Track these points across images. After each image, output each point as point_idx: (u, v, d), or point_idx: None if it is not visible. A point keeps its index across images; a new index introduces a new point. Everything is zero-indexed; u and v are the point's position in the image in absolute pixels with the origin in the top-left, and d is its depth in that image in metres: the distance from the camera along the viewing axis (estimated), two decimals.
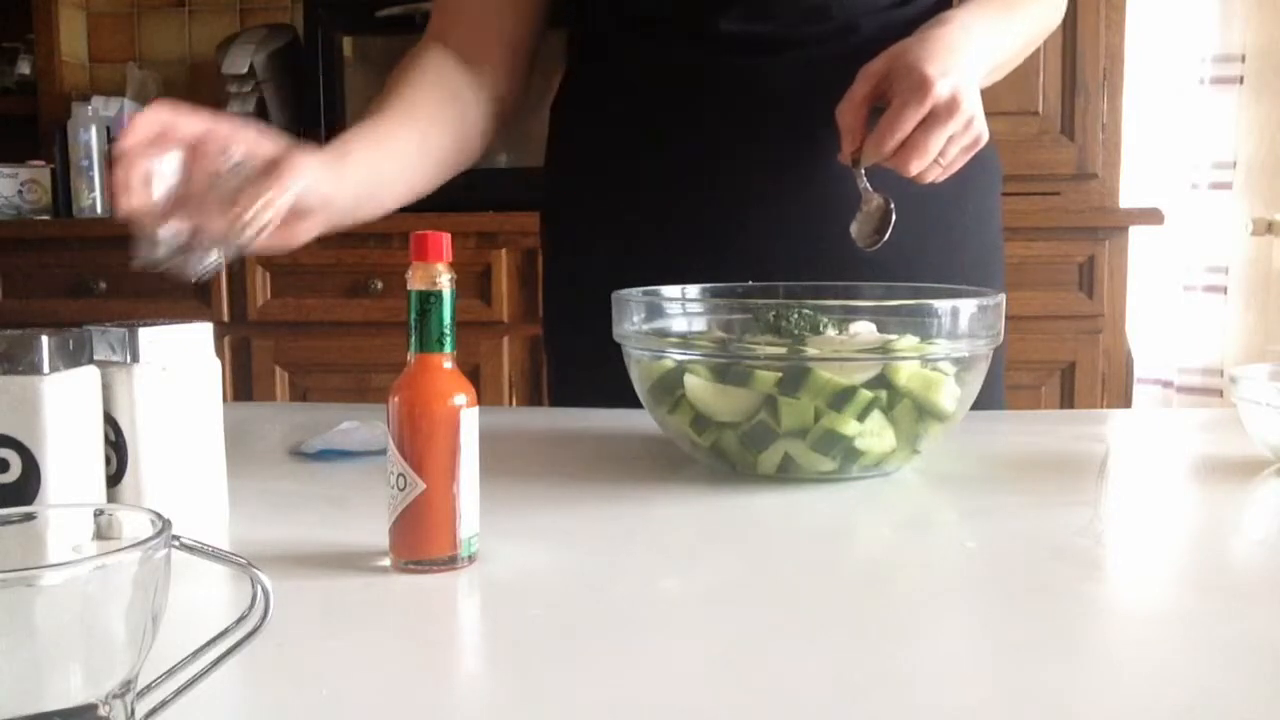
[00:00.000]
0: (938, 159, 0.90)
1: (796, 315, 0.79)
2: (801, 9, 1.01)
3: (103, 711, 0.37)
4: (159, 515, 0.39)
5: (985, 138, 0.92)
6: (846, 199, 1.00)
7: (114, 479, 0.66)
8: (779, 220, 1.04)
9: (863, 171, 0.94)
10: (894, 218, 0.94)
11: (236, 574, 0.46)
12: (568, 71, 1.15)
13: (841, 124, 0.93)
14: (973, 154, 0.93)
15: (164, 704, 0.41)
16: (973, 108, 0.90)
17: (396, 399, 0.60)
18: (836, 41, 1.02)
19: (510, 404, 2.43)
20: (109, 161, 0.80)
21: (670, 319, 0.86)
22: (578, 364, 1.15)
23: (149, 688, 0.41)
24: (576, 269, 1.13)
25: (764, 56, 1.02)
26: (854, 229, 0.96)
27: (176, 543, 0.40)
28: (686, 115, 1.05)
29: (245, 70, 2.57)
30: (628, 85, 1.08)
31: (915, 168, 0.89)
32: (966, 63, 0.91)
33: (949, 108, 0.88)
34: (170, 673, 0.42)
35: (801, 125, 1.03)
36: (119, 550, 0.37)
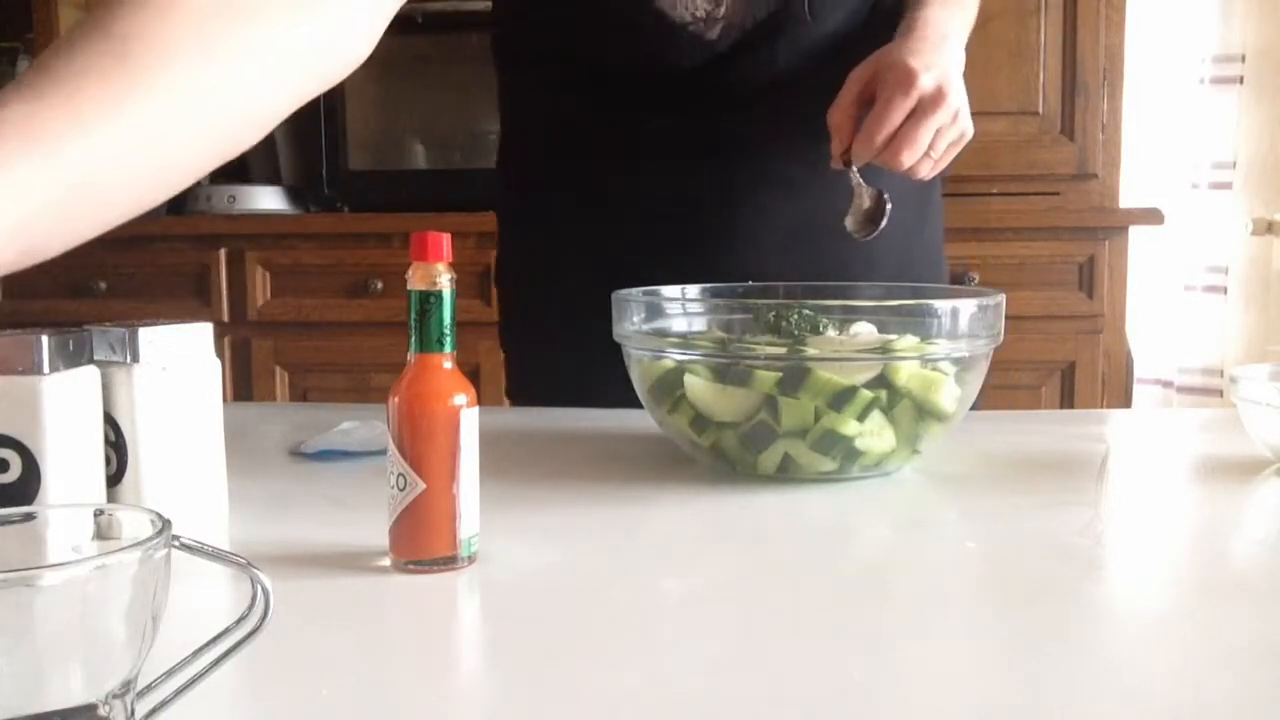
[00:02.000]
0: (928, 152, 0.91)
1: (796, 315, 0.79)
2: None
3: (103, 711, 0.37)
4: (159, 515, 0.39)
5: (970, 132, 0.93)
6: (824, 212, 1.00)
7: (114, 479, 0.66)
8: (762, 229, 1.04)
9: (854, 169, 0.95)
10: (889, 207, 0.95)
11: (236, 574, 0.46)
12: (507, 83, 1.13)
13: (831, 126, 0.94)
14: (960, 148, 0.94)
15: (164, 704, 0.41)
16: (958, 100, 0.91)
17: (396, 399, 0.60)
18: (813, 52, 1.02)
19: (510, 404, 2.42)
20: None
21: (670, 319, 0.86)
22: (535, 360, 1.15)
23: (149, 688, 0.41)
24: (529, 264, 1.13)
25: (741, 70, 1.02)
26: (848, 221, 0.97)
27: (176, 543, 0.40)
28: (657, 129, 1.04)
29: None
30: (587, 91, 1.06)
31: (907, 160, 0.90)
32: (948, 58, 0.92)
33: (935, 99, 0.89)
34: (170, 673, 0.42)
35: (777, 137, 1.03)
36: (119, 550, 0.37)
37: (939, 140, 0.91)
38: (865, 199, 0.96)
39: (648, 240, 1.05)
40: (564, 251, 1.10)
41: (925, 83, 0.89)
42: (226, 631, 0.42)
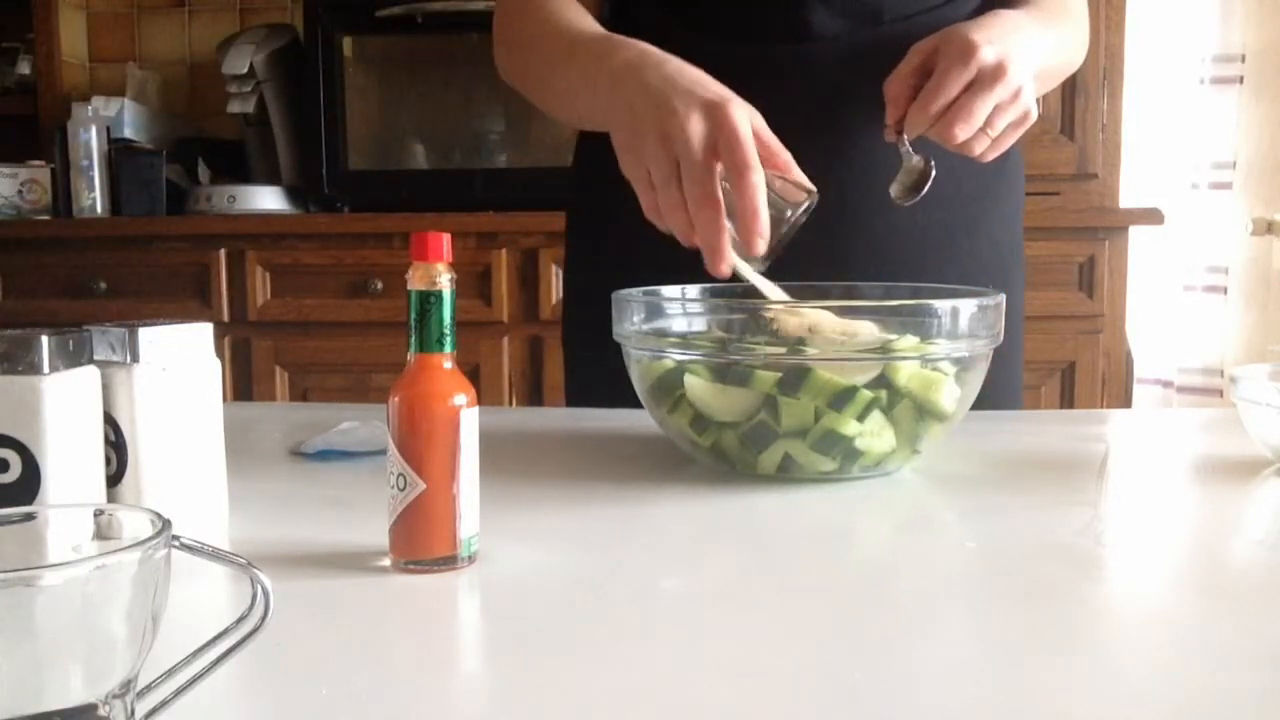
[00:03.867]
0: (985, 129, 0.88)
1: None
2: (855, 9, 1.01)
3: (103, 711, 0.37)
4: (159, 515, 0.39)
5: (1035, 113, 0.91)
6: (877, 195, 1.00)
7: (114, 479, 0.66)
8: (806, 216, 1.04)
9: (906, 139, 0.93)
10: (934, 173, 0.93)
11: (236, 574, 0.46)
12: None
13: (888, 95, 0.92)
14: (1022, 130, 0.92)
15: (164, 704, 0.41)
16: (1020, 78, 0.88)
17: (396, 399, 0.60)
18: (867, 35, 1.02)
19: (510, 404, 2.43)
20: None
21: (670, 319, 0.86)
22: (596, 362, 1.15)
23: (149, 688, 0.41)
24: (598, 264, 1.13)
25: (797, 51, 1.02)
26: (893, 189, 0.95)
27: (176, 543, 0.40)
28: None
29: (245, 70, 2.57)
30: None
31: (961, 134, 0.88)
32: (1018, 41, 0.90)
33: (994, 73, 0.87)
34: (170, 673, 0.42)
35: (832, 120, 1.02)
36: (119, 550, 0.37)
37: (997, 117, 0.88)
38: (912, 167, 0.94)
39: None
40: (631, 250, 1.09)
41: (986, 55, 0.86)
42: (226, 631, 0.42)
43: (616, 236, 1.12)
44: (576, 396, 1.17)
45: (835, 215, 1.04)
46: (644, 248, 1.08)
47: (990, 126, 0.89)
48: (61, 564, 0.36)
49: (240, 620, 0.42)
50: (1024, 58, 0.90)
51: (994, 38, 0.88)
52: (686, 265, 0.98)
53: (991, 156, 0.92)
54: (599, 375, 1.13)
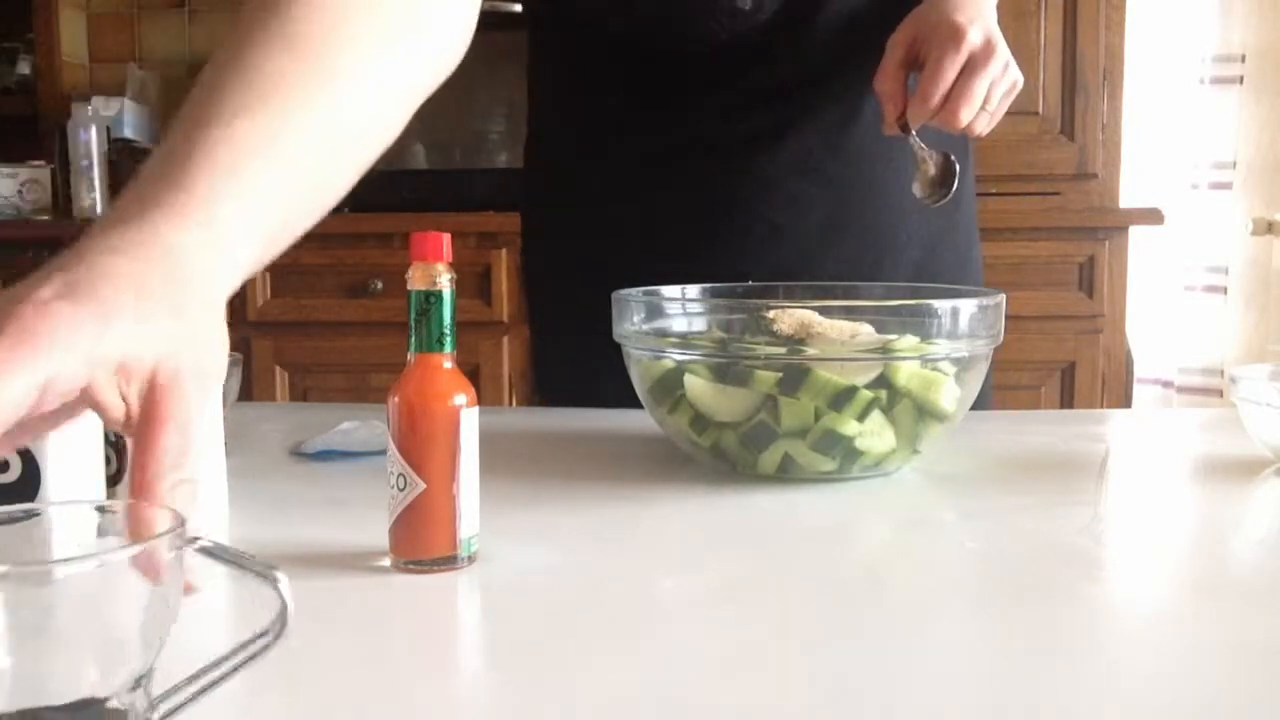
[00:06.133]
0: (984, 107, 0.91)
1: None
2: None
3: (117, 704, 0.37)
4: (175, 512, 0.40)
5: (1021, 81, 0.93)
6: (827, 196, 1.00)
7: (114, 479, 0.66)
8: (761, 219, 1.04)
9: (914, 133, 0.94)
10: (958, 168, 0.95)
11: (237, 574, 0.46)
12: (534, 66, 1.14)
13: (880, 93, 0.94)
14: (1012, 98, 0.94)
15: (177, 709, 0.41)
16: (1006, 51, 0.91)
17: (396, 399, 0.60)
18: (823, 30, 1.02)
19: (510, 404, 2.43)
20: None
21: (670, 319, 0.86)
22: (562, 366, 1.15)
23: (165, 695, 0.41)
24: (559, 269, 1.13)
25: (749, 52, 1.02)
26: (915, 188, 0.97)
27: (197, 547, 0.40)
28: (669, 107, 1.04)
29: None
30: (606, 80, 1.07)
31: (965, 116, 0.90)
32: (988, 10, 0.92)
33: (985, 52, 0.89)
34: (191, 680, 0.41)
35: (785, 114, 1.03)
36: (134, 546, 0.37)
37: (993, 93, 0.91)
38: (931, 165, 0.96)
39: (676, 237, 1.04)
40: (595, 249, 1.09)
41: (974, 37, 0.89)
42: (246, 644, 0.41)
43: (574, 235, 1.11)
44: (548, 402, 1.17)
45: (798, 217, 1.04)
46: (603, 244, 1.08)
47: (988, 103, 0.91)
48: (76, 559, 0.36)
49: (261, 634, 0.42)
50: (995, 23, 0.92)
51: (973, 15, 0.90)
52: (649, 260, 0.99)
53: (989, 130, 0.94)
54: (567, 374, 1.13)
